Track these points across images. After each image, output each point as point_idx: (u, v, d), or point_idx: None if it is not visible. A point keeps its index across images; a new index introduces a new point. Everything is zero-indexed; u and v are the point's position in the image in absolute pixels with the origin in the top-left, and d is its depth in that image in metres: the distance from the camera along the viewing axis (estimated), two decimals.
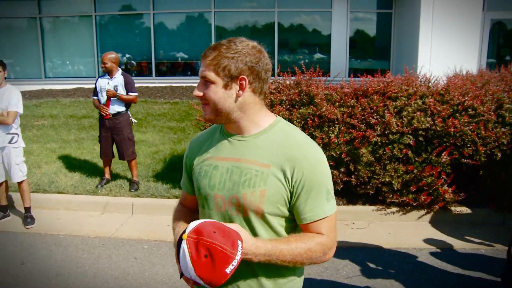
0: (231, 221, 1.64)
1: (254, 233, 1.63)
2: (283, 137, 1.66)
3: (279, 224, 1.66)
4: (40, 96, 12.27)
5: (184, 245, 1.45)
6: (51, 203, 6.13)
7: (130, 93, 6.25)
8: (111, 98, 6.16)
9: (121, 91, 6.21)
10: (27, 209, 5.61)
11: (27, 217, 5.55)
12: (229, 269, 1.44)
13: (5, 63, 5.44)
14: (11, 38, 14.30)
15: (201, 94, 1.62)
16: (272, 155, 1.62)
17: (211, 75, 1.58)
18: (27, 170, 5.64)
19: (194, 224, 1.49)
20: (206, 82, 1.60)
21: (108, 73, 6.26)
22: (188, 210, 1.93)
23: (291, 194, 1.61)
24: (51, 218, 5.77)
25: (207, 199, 1.70)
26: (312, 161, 1.62)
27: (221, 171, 1.67)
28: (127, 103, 6.32)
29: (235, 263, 1.44)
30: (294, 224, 1.70)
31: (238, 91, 1.60)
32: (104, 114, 6.21)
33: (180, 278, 1.55)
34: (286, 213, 1.64)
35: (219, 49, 1.58)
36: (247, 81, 1.60)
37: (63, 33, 14.29)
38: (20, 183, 5.54)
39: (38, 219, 5.63)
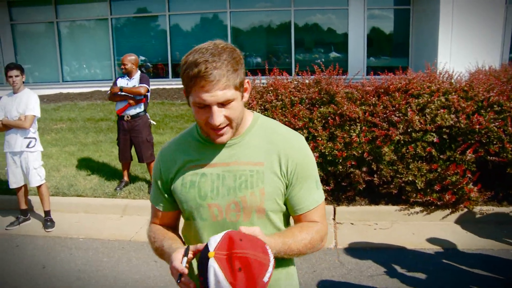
0: (233, 228, 1.55)
1: None
2: (268, 133, 1.65)
3: (279, 220, 1.67)
4: (58, 100, 12.37)
5: (213, 264, 1.31)
6: (70, 207, 6.14)
7: (140, 85, 6.20)
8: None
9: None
10: (47, 213, 5.62)
11: (47, 221, 5.57)
12: (266, 278, 1.35)
13: (23, 68, 5.46)
14: (29, 43, 14.48)
15: (223, 119, 1.49)
16: (263, 152, 1.60)
17: (232, 93, 1.47)
18: (45, 174, 5.64)
19: (217, 238, 1.37)
20: (226, 104, 1.48)
21: (128, 74, 6.25)
22: (168, 228, 1.79)
23: (286, 186, 1.62)
24: (71, 222, 5.78)
25: (199, 211, 1.62)
26: (301, 150, 1.64)
27: (211, 178, 1.60)
28: (146, 105, 6.29)
29: (270, 269, 1.36)
30: (288, 216, 1.72)
31: (243, 95, 1.56)
32: (113, 93, 6.19)
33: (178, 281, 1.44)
34: (283, 207, 1.65)
35: (224, 65, 1.44)
36: (249, 83, 1.58)
37: (80, 37, 14.41)
38: (39, 187, 5.55)
39: (58, 222, 5.64)
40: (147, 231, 1.81)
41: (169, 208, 1.75)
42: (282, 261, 1.65)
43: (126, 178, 6.57)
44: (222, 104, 1.47)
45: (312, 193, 1.65)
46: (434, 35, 10.64)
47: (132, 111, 6.18)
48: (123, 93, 6.13)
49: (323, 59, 12.95)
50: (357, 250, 4.75)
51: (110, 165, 7.37)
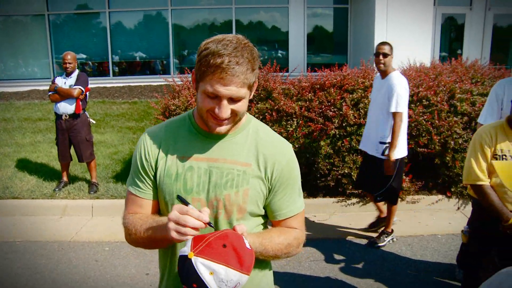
0: (214, 223, 1.58)
1: None
2: (258, 135, 1.65)
3: (257, 223, 1.67)
4: None
5: (198, 260, 1.29)
6: (6, 209, 5.92)
7: (74, 87, 6.06)
8: (67, 99, 6.01)
9: None
10: None
11: None
12: (248, 245, 1.37)
13: None
14: None
15: (229, 113, 1.48)
16: (251, 154, 1.61)
17: (244, 92, 1.47)
18: None
19: (185, 247, 1.35)
20: (236, 100, 1.47)
21: (66, 73, 6.11)
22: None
23: (269, 190, 1.62)
24: (7, 225, 5.58)
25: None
26: (288, 158, 1.64)
27: (198, 172, 1.58)
28: (84, 103, 6.17)
29: (246, 240, 1.39)
30: (266, 221, 1.72)
31: (250, 95, 1.55)
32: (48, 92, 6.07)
33: None
34: (262, 211, 1.66)
35: (245, 62, 1.43)
36: (256, 82, 1.57)
37: (15, 33, 13.80)
38: None
39: None
40: (123, 221, 1.67)
41: (153, 197, 1.66)
42: (258, 263, 1.65)
43: (65, 178, 6.42)
44: (232, 99, 1.46)
45: (293, 201, 1.67)
46: (370, 34, 11.01)
47: (70, 110, 6.04)
48: (50, 93, 6.03)
49: (265, 57, 13.11)
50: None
51: (49, 166, 7.17)
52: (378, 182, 4.62)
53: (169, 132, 1.66)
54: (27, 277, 4.30)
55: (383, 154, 4.51)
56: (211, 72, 1.42)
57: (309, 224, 5.39)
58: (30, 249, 4.92)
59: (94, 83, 11.81)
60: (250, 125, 1.67)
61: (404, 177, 5.51)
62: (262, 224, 1.71)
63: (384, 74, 4.53)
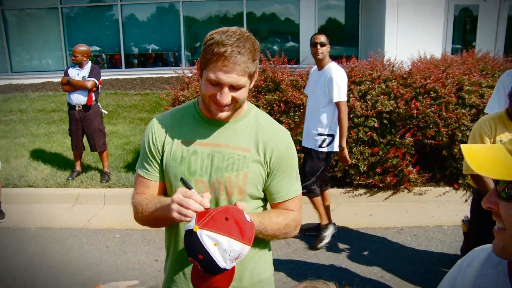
0: (215, 205, 1.68)
1: None
2: (258, 123, 1.75)
3: (256, 207, 1.77)
4: (7, 91, 12.05)
5: (203, 232, 1.38)
6: (21, 197, 6.10)
7: (88, 79, 6.19)
8: (80, 90, 6.14)
9: None
10: None
11: None
12: (248, 218, 1.47)
13: None
14: None
15: (230, 100, 1.58)
16: (251, 140, 1.71)
17: (245, 81, 1.57)
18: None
19: (190, 222, 1.46)
20: (236, 88, 1.57)
21: (79, 64, 6.24)
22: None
23: (268, 174, 1.72)
24: (22, 212, 5.75)
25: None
26: (286, 144, 1.75)
27: (201, 156, 1.69)
28: (96, 95, 6.30)
29: (246, 214, 1.49)
30: (265, 204, 1.82)
31: (250, 84, 1.65)
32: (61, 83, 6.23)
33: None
34: (262, 193, 1.76)
35: (246, 53, 1.54)
36: (257, 72, 1.67)
37: (29, 26, 13.98)
38: None
39: (8, 213, 5.59)
40: (132, 200, 1.81)
41: (160, 178, 1.78)
42: (258, 243, 1.76)
43: (78, 168, 6.57)
44: (233, 87, 1.56)
45: (291, 184, 1.77)
46: (381, 26, 10.98)
47: (83, 100, 6.18)
48: (63, 84, 6.18)
49: (276, 49, 13.14)
50: (302, 231, 4.93)
51: (63, 155, 7.33)
52: (305, 173, 4.51)
53: (175, 119, 1.78)
54: (41, 261, 4.45)
55: (320, 146, 4.44)
56: (215, 60, 1.52)
57: (317, 214, 5.45)
58: (44, 235, 5.08)
59: (107, 75, 11.95)
60: (251, 113, 1.77)
61: (411, 168, 5.57)
62: (261, 207, 1.81)
63: (320, 65, 4.46)
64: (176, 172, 1.70)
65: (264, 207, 1.83)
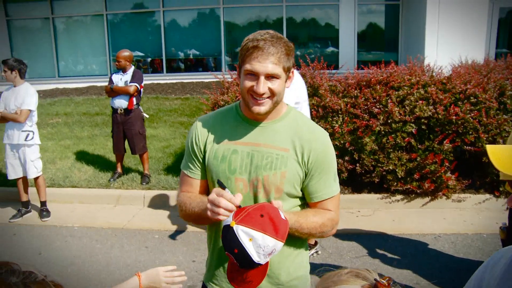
0: (253, 202, 1.76)
1: None
2: (297, 124, 1.82)
3: (293, 205, 1.83)
4: (54, 95, 12.55)
5: (239, 227, 1.46)
6: (66, 197, 6.35)
7: (130, 84, 6.38)
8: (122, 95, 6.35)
9: None
10: (43, 203, 5.83)
11: (43, 211, 5.77)
12: (283, 216, 1.54)
13: (14, 64, 5.55)
14: (25, 39, 14.62)
15: (266, 90, 1.66)
16: (290, 140, 1.77)
17: (280, 71, 1.65)
18: (42, 166, 5.83)
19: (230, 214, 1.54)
20: (271, 78, 1.66)
21: (122, 69, 6.46)
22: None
23: (306, 174, 1.78)
24: (66, 211, 5.99)
25: (226, 183, 1.77)
26: (324, 144, 1.81)
27: (241, 155, 1.77)
28: (138, 99, 6.49)
29: (282, 212, 1.55)
30: (304, 203, 1.88)
31: (286, 81, 1.74)
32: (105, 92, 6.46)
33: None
34: (300, 192, 1.82)
35: (279, 46, 1.64)
36: (293, 73, 1.77)
37: (76, 32, 14.55)
38: (35, 179, 5.75)
39: (53, 212, 5.85)
40: (177, 198, 1.93)
41: (203, 177, 1.88)
42: (295, 241, 1.82)
43: (119, 170, 6.78)
44: (269, 77, 1.65)
45: (329, 184, 1.82)
46: (421, 30, 10.82)
47: (124, 104, 6.37)
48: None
49: (315, 54, 13.11)
50: (339, 236, 4.94)
51: (105, 158, 7.58)
52: None
53: (217, 119, 1.88)
54: (83, 259, 4.63)
55: None
56: (250, 53, 1.64)
57: (353, 220, 5.46)
58: (86, 234, 5.28)
59: (148, 79, 12.25)
60: (290, 114, 1.85)
61: (449, 174, 5.48)
62: (299, 206, 1.86)
63: None
64: (218, 171, 1.79)
65: (303, 206, 1.88)
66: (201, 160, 1.86)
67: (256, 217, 1.47)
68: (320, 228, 1.79)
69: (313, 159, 1.76)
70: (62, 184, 6.57)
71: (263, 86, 1.64)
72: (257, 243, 1.45)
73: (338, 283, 1.04)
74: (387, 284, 0.97)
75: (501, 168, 0.95)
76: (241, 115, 1.83)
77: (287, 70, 1.69)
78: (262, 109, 1.70)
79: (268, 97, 1.68)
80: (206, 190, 1.91)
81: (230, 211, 1.54)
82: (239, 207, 1.55)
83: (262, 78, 1.64)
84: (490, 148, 1.01)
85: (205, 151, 1.84)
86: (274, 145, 1.76)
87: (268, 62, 1.62)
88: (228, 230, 1.48)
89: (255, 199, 1.76)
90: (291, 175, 1.75)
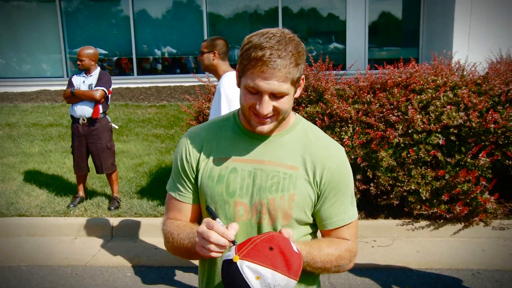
0: (257, 230, 1.76)
1: None
2: (308, 137, 1.83)
3: (303, 234, 1.83)
4: None
5: (243, 263, 1.45)
6: (10, 229, 6.24)
7: (96, 88, 6.36)
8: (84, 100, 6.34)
9: None
10: None
11: None
12: (295, 248, 1.54)
13: None
14: None
15: (271, 110, 1.66)
16: (299, 156, 1.78)
17: (287, 87, 1.64)
18: None
19: (230, 251, 1.53)
20: (278, 96, 1.64)
21: (85, 70, 6.45)
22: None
23: (318, 197, 1.78)
24: (11, 247, 5.88)
25: (224, 208, 1.77)
26: (339, 162, 1.82)
27: (241, 174, 1.76)
28: (105, 106, 6.50)
29: (293, 244, 1.56)
30: (315, 231, 1.89)
31: (296, 91, 1.73)
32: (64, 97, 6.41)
33: None
34: (311, 218, 1.81)
35: (288, 56, 1.61)
36: (304, 79, 1.78)
37: (19, 22, 14.21)
38: None
39: None
40: (163, 227, 1.89)
41: (195, 201, 1.87)
42: (305, 277, 1.79)
43: (81, 193, 6.76)
44: (274, 95, 1.64)
45: (345, 209, 1.81)
46: (449, 20, 10.90)
47: (88, 113, 6.34)
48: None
49: (317, 51, 13.20)
50: (352, 271, 4.96)
51: (62, 178, 7.55)
52: None
53: (212, 132, 1.88)
54: None
55: None
56: (252, 66, 1.61)
57: (368, 250, 5.48)
58: (37, 275, 5.18)
59: (116, 83, 12.12)
60: (299, 126, 1.86)
61: (488, 195, 5.50)
62: (310, 234, 1.87)
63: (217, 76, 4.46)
64: (213, 193, 1.78)
65: (314, 234, 1.89)
66: (192, 180, 1.85)
67: (264, 251, 1.47)
68: (336, 262, 1.78)
69: (326, 179, 1.76)
70: (6, 213, 6.47)
71: (267, 106, 1.64)
72: (266, 282, 1.44)
73: None
74: None
75: None
76: (240, 127, 1.84)
77: (297, 81, 1.68)
78: (265, 128, 1.71)
79: (272, 116, 1.69)
80: (198, 217, 1.91)
81: (222, 247, 1.53)
82: (233, 242, 1.54)
83: (266, 97, 1.63)
84: None
85: (197, 170, 1.83)
86: (280, 162, 1.77)
87: (274, 79, 1.60)
88: (230, 266, 1.47)
89: (259, 228, 1.76)
90: (301, 197, 1.75)
